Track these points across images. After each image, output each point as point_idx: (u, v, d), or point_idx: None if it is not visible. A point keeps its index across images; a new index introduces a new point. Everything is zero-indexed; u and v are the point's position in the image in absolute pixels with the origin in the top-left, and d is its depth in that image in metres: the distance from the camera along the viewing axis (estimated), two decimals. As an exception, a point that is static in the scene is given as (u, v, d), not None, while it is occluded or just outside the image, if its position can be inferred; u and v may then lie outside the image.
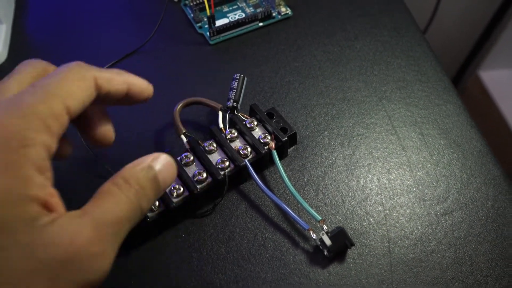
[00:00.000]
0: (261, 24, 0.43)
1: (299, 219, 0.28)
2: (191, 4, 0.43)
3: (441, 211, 0.30)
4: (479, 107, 1.01)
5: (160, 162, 0.23)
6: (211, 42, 0.41)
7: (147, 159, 0.22)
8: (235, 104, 0.33)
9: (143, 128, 0.35)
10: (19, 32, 0.42)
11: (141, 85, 0.25)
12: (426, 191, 0.31)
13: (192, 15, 0.43)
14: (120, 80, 0.24)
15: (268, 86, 0.38)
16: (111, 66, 0.39)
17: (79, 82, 0.21)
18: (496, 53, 0.96)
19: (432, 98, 0.37)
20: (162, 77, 0.39)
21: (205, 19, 0.43)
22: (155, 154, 0.23)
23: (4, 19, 0.41)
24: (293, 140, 0.34)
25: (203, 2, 0.43)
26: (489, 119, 0.97)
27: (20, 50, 0.41)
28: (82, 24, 0.43)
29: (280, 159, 0.31)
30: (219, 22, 0.42)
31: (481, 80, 0.99)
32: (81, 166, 0.33)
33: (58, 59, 0.40)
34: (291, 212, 0.29)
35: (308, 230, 0.28)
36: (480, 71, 1.00)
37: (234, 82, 0.34)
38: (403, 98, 0.37)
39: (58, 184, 0.20)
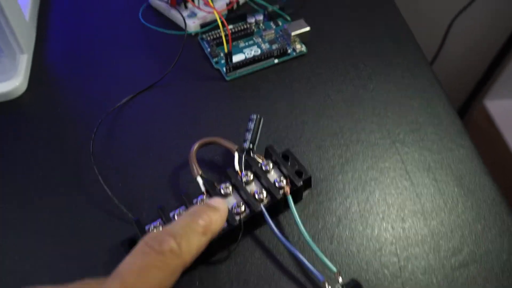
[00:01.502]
0: (276, 61, 0.41)
1: (314, 270, 0.27)
2: (208, 38, 0.42)
3: (456, 264, 0.29)
4: (485, 136, 0.99)
5: None
6: (227, 78, 0.40)
7: None
8: (251, 146, 0.32)
9: (158, 167, 0.34)
10: (39, 63, 0.41)
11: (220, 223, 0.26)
12: (440, 241, 0.30)
13: (209, 49, 0.42)
14: (202, 242, 0.24)
15: (283, 125, 0.37)
16: (128, 101, 0.38)
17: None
18: (502, 83, 0.95)
19: (445, 142, 0.35)
20: (178, 113, 0.37)
21: (222, 54, 0.41)
22: None
23: (25, 49, 0.40)
24: (308, 183, 0.32)
25: (220, 37, 0.42)
26: (495, 148, 0.95)
27: (40, 81, 0.40)
28: (101, 57, 0.42)
29: (295, 203, 0.30)
30: (235, 58, 0.41)
31: (487, 110, 0.97)
32: (98, 205, 0.32)
33: (77, 91, 0.39)
34: (306, 262, 0.27)
35: (323, 282, 0.27)
36: (486, 101, 0.98)
37: (250, 122, 0.33)
38: (417, 141, 0.35)
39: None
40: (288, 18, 0.44)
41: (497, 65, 0.94)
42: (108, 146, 0.35)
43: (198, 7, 0.43)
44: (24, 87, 0.39)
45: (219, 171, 0.34)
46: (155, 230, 0.28)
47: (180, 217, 0.25)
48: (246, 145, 0.32)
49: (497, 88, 0.96)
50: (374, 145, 0.35)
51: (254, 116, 0.33)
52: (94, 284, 0.22)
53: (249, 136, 0.32)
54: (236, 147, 0.32)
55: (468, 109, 1.05)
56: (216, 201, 0.27)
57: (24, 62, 0.39)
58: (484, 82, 0.98)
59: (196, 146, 0.32)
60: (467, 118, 1.05)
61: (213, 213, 0.25)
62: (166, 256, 0.22)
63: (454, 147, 0.35)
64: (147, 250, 0.22)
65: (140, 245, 0.22)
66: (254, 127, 0.32)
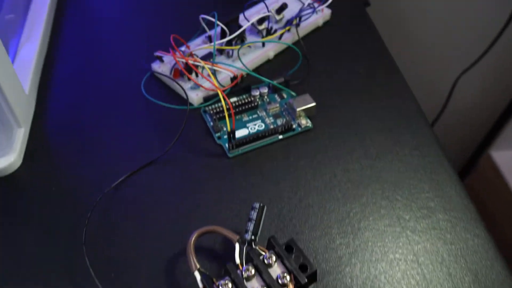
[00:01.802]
0: (281, 137, 0.41)
1: None
2: (211, 112, 0.42)
3: None
4: (490, 186, 0.99)
5: None
6: (229, 155, 0.39)
7: None
8: (253, 237, 0.31)
9: (153, 256, 0.32)
10: (36, 136, 0.40)
11: None
12: None
13: (211, 123, 0.41)
14: None
15: (286, 209, 0.35)
16: (125, 179, 0.37)
17: None
18: (509, 133, 0.95)
19: (459, 231, 0.34)
20: (177, 194, 0.36)
21: (225, 129, 0.41)
22: None
23: (23, 123, 0.39)
24: (313, 278, 0.30)
25: (223, 111, 0.42)
26: (501, 198, 0.95)
27: (36, 156, 0.39)
28: (100, 131, 0.41)
29: (299, 300, 0.28)
30: (238, 133, 0.40)
31: (493, 160, 0.98)
32: (87, 297, 0.30)
33: (73, 168, 0.38)
34: None
35: None
36: (492, 151, 0.99)
37: (253, 211, 0.32)
38: (428, 229, 0.34)
39: None
40: (293, 94, 0.44)
41: (505, 117, 0.94)
42: (102, 233, 0.34)
43: (199, 85, 0.43)
44: (18, 163, 0.38)
45: (219, 262, 0.32)
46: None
47: None
48: (248, 236, 0.31)
49: (503, 139, 0.97)
50: (383, 233, 0.34)
51: (257, 205, 0.32)
52: None
53: (251, 226, 0.31)
54: (237, 237, 0.31)
55: (475, 161, 1.04)
56: None
57: (20, 137, 0.39)
58: (491, 134, 0.99)
59: (194, 236, 0.31)
60: (473, 169, 1.05)
61: None
62: None
63: (469, 237, 0.34)
64: None
65: None
66: (256, 216, 0.31)
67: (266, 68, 0.47)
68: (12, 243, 0.33)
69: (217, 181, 0.37)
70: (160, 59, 0.45)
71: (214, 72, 0.44)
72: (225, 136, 0.40)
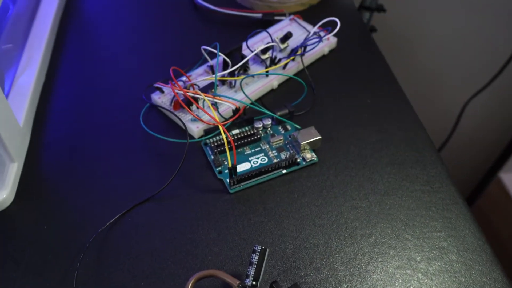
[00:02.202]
0: (284, 171, 0.40)
1: None
2: (212, 145, 0.41)
3: None
4: (500, 209, 0.98)
5: None
6: (230, 191, 0.38)
7: None
8: (254, 283, 0.30)
9: (150, 298, 0.31)
10: (30, 171, 0.40)
11: None
12: None
13: (212, 157, 0.41)
14: None
15: (290, 249, 0.34)
16: (120, 217, 0.36)
17: None
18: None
19: (474, 274, 0.33)
20: (175, 233, 0.36)
21: (226, 163, 0.40)
22: None
23: (16, 158, 0.39)
24: (318, 326, 0.29)
25: (224, 144, 0.41)
26: (511, 220, 0.94)
27: (29, 192, 0.38)
28: (98, 166, 0.40)
29: None
30: (240, 167, 0.40)
31: (502, 183, 0.97)
32: None
33: (69, 204, 0.38)
34: None
35: None
36: (502, 174, 0.98)
37: (254, 255, 0.31)
38: (441, 272, 0.33)
39: None
40: (298, 126, 0.43)
41: None
42: (94, 276, 0.33)
43: (200, 119, 0.42)
44: (10, 199, 0.37)
45: (218, 308, 0.31)
46: None
47: None
48: (249, 282, 0.30)
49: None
50: (393, 276, 0.33)
51: (259, 248, 0.31)
52: None
53: (252, 271, 0.30)
54: (237, 282, 0.30)
55: (485, 184, 1.04)
56: None
57: (13, 172, 0.38)
58: (500, 157, 0.98)
59: (192, 280, 0.30)
60: (483, 192, 1.05)
61: None
62: None
63: (485, 281, 0.33)
64: None
65: None
66: (258, 260, 0.30)
67: (269, 98, 0.47)
68: (1, 280, 0.32)
69: (217, 219, 0.36)
70: (160, 90, 0.45)
71: (215, 104, 0.43)
72: (226, 171, 0.40)
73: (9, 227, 0.36)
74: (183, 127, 0.42)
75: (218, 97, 0.42)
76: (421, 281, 0.32)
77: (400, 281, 0.32)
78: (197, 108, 0.43)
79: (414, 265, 0.33)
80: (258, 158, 0.41)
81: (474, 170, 1.06)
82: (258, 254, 0.31)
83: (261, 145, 0.42)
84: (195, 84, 0.44)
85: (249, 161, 0.40)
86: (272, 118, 0.44)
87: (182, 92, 0.42)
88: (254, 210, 0.37)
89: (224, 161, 0.40)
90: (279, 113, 0.43)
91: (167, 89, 0.45)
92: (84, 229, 0.35)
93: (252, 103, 0.44)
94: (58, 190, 0.39)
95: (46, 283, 0.32)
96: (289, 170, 0.40)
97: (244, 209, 0.37)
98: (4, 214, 0.37)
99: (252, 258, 0.31)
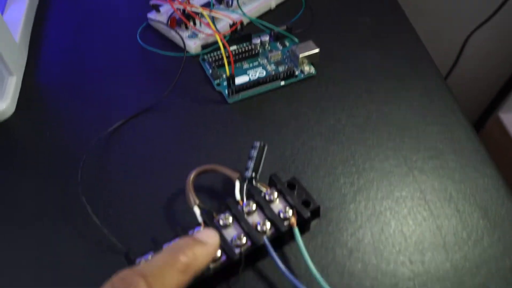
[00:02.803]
0: (283, 83, 0.42)
1: (323, 308, 0.26)
2: (210, 59, 0.43)
3: (483, 304, 0.28)
4: (499, 148, 1.00)
5: None
6: (229, 101, 0.40)
7: None
8: (253, 174, 0.32)
9: (153, 195, 0.34)
10: (29, 85, 0.42)
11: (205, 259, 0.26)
12: (464, 277, 0.29)
13: (210, 71, 0.42)
14: (180, 281, 0.24)
15: (289, 152, 0.37)
16: (123, 123, 0.38)
17: None
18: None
19: (468, 171, 0.35)
20: (176, 136, 0.38)
21: (224, 76, 0.42)
22: None
23: (14, 71, 0.41)
24: (316, 214, 0.32)
25: (222, 58, 0.43)
26: (509, 159, 0.96)
27: (29, 104, 0.40)
28: (95, 78, 0.43)
29: (301, 233, 0.29)
30: (238, 80, 0.41)
31: (501, 122, 0.99)
32: (86, 235, 0.32)
33: (68, 115, 0.40)
34: (314, 299, 0.27)
35: (333, 322, 0.26)
36: (501, 113, 1.00)
37: (253, 150, 0.33)
38: (436, 169, 0.35)
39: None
40: (296, 40, 0.45)
41: None
42: (98, 173, 0.35)
43: (198, 30, 0.44)
44: (11, 110, 0.39)
45: (219, 201, 0.34)
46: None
47: (160, 253, 0.24)
48: (248, 173, 0.32)
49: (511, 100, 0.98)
50: (389, 172, 0.35)
51: (258, 144, 0.33)
52: None
53: (251, 164, 0.32)
54: (237, 175, 0.32)
55: (483, 122, 1.06)
56: (205, 234, 0.26)
57: (12, 85, 0.40)
58: (499, 95, 1.00)
59: (193, 174, 0.32)
60: (482, 130, 1.07)
61: (199, 248, 0.25)
62: None
63: (478, 176, 0.35)
64: None
65: (106, 287, 0.22)
66: (257, 154, 0.32)
67: (267, 18, 0.48)
68: (7, 188, 0.34)
69: (217, 126, 0.39)
70: (156, 8, 0.47)
71: (213, 20, 0.45)
72: (225, 83, 0.42)
73: (12, 135, 0.38)
74: (180, 44, 0.44)
75: (216, 11, 0.44)
76: (416, 177, 0.35)
77: (396, 177, 0.35)
78: (196, 23, 0.44)
79: (410, 164, 0.36)
80: (256, 72, 0.43)
81: (473, 108, 1.07)
82: (257, 149, 0.33)
83: (259, 60, 0.44)
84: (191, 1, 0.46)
85: (247, 74, 0.42)
86: (270, 35, 0.45)
87: (181, 7, 0.43)
88: (252, 119, 0.39)
89: (222, 74, 0.42)
90: (276, 30, 0.45)
91: (163, 8, 0.47)
92: (85, 136, 0.37)
93: (250, 18, 0.45)
94: (58, 102, 0.41)
95: (51, 182, 0.35)
96: (288, 82, 0.42)
97: (243, 118, 0.39)
98: (6, 124, 0.39)
99: (251, 154, 0.33)
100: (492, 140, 1.03)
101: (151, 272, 0.22)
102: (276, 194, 0.31)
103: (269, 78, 0.41)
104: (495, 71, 0.97)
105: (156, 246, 0.28)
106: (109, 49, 0.45)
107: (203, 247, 0.25)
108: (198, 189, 0.33)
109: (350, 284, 0.29)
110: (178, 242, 0.25)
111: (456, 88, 1.01)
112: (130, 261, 0.28)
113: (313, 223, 0.32)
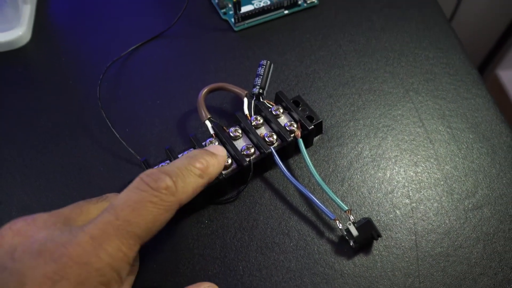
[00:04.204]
0: (286, 11, 0.42)
1: (325, 209, 0.28)
2: (216, -11, 0.43)
3: (470, 206, 0.30)
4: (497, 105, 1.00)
5: None
6: (235, 29, 0.41)
7: None
8: (261, 91, 0.33)
9: (166, 114, 0.35)
10: (43, 14, 0.42)
11: (217, 168, 0.27)
12: (454, 185, 0.31)
13: (216, 1, 0.42)
14: (198, 183, 0.25)
15: (293, 75, 0.37)
16: (134, 50, 0.39)
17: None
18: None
19: (461, 92, 0.36)
20: (185, 63, 0.38)
21: (230, 5, 0.42)
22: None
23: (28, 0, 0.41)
24: (319, 129, 0.33)
25: (228, -12, 0.43)
26: (507, 117, 0.96)
27: (44, 31, 0.41)
28: (105, 7, 0.43)
29: (305, 148, 0.31)
30: (244, 9, 0.42)
31: (499, 79, 0.98)
32: (106, 148, 0.33)
33: (81, 41, 0.40)
34: (317, 201, 0.28)
35: (334, 220, 0.28)
36: (499, 71, 0.99)
37: (260, 68, 0.34)
38: (431, 90, 0.36)
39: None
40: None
41: (509, 35, 0.94)
42: (115, 92, 0.36)
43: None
44: (28, 37, 0.40)
45: (228, 117, 0.35)
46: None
47: (178, 159, 0.26)
48: (256, 90, 0.33)
49: (509, 58, 0.97)
50: (387, 94, 0.36)
51: (264, 62, 0.34)
52: (85, 204, 0.24)
53: (258, 81, 0.33)
54: (245, 92, 0.33)
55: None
56: (215, 147, 0.28)
57: (27, 12, 0.40)
58: (496, 52, 0.99)
59: (204, 91, 0.33)
60: None
61: (211, 157, 0.26)
62: (161, 193, 0.23)
63: (470, 96, 0.36)
64: (143, 187, 0.23)
65: (136, 182, 0.23)
66: (264, 72, 0.33)
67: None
68: (30, 106, 0.35)
69: (224, 52, 0.39)
70: None
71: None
72: (231, 12, 0.42)
73: (30, 60, 0.39)
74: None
75: None
76: (412, 98, 0.36)
77: (394, 98, 0.36)
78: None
79: (407, 86, 0.37)
80: (260, 1, 0.43)
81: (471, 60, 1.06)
82: (264, 67, 0.33)
83: (263, -11, 0.44)
84: None
85: (252, 4, 0.42)
86: (274, -34, 0.45)
87: None
88: (258, 45, 0.40)
89: (228, 3, 0.42)
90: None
91: None
92: (100, 60, 0.38)
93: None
94: (71, 30, 0.41)
95: (72, 100, 0.36)
96: (291, 11, 0.42)
97: (249, 44, 0.40)
98: (23, 50, 0.39)
99: (258, 71, 0.33)
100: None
101: (174, 172, 0.24)
102: (281, 109, 0.32)
103: (273, 7, 0.41)
104: (492, 27, 0.95)
105: (171, 155, 0.29)
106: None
107: (214, 156, 0.27)
108: (209, 107, 0.34)
109: (349, 190, 0.30)
110: (192, 151, 0.27)
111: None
112: (148, 167, 0.29)
113: (316, 139, 0.33)
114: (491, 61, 1.02)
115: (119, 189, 0.30)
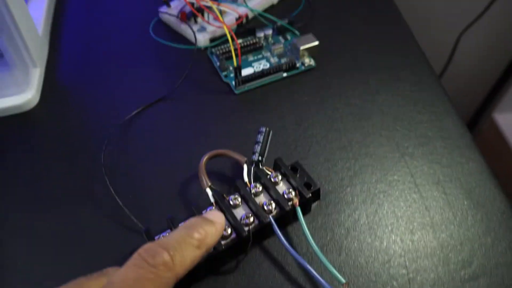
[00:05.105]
0: (285, 74, 0.43)
1: (323, 281, 0.28)
2: (217, 52, 0.44)
3: (466, 277, 0.29)
4: (494, 149, 1.00)
5: None
6: (236, 92, 0.41)
7: None
8: (260, 158, 0.33)
9: (168, 179, 0.35)
10: (51, 77, 0.42)
11: (215, 237, 0.27)
12: (450, 254, 0.30)
13: (218, 63, 0.43)
14: (196, 255, 0.25)
15: (291, 139, 0.38)
16: (138, 113, 0.39)
17: None
18: (511, 96, 0.95)
19: (455, 156, 0.36)
20: (187, 126, 0.39)
21: (231, 68, 0.43)
22: None
23: (38, 63, 0.41)
24: (316, 196, 0.33)
25: (229, 51, 0.44)
26: (504, 161, 0.96)
27: (52, 94, 0.41)
28: (112, 71, 0.43)
29: (303, 215, 0.31)
30: (244, 72, 0.42)
31: (496, 123, 0.99)
32: (108, 215, 0.33)
33: (88, 104, 0.41)
34: (315, 273, 0.28)
35: (332, 293, 0.27)
36: (495, 114, 0.99)
37: (259, 135, 0.34)
38: (426, 154, 0.36)
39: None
40: (297, 33, 0.46)
41: (506, 78, 0.95)
42: (118, 158, 0.36)
43: (208, 22, 0.44)
44: (36, 100, 0.40)
45: (228, 183, 0.35)
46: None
47: (175, 230, 0.26)
48: (255, 157, 0.33)
49: (506, 101, 0.97)
50: (383, 158, 0.36)
51: (263, 129, 0.34)
52: (85, 282, 0.24)
53: (258, 148, 0.33)
54: (245, 159, 0.33)
55: (477, 123, 1.06)
56: (213, 214, 0.28)
57: (36, 76, 0.41)
58: (493, 96, 0.99)
59: (205, 158, 0.33)
60: (476, 131, 1.06)
61: (209, 226, 0.26)
62: (159, 269, 0.23)
63: (464, 161, 0.36)
64: (140, 263, 0.23)
65: (134, 258, 0.23)
66: (263, 139, 0.33)
67: (270, 12, 0.49)
68: (35, 171, 0.36)
69: (225, 115, 0.40)
70: (167, 3, 0.47)
71: (220, 13, 0.45)
72: (232, 75, 0.42)
73: (38, 123, 0.39)
74: (189, 38, 0.45)
75: (224, 4, 0.45)
76: (407, 162, 0.36)
77: (389, 162, 0.36)
78: (206, 16, 0.45)
79: (402, 150, 0.37)
80: (260, 64, 0.43)
81: (467, 109, 1.07)
82: (263, 134, 0.34)
83: (263, 53, 0.44)
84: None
85: (252, 67, 0.43)
86: (273, 29, 0.46)
87: (194, 1, 0.44)
88: (258, 108, 0.40)
89: (230, 66, 0.43)
90: (279, 23, 0.45)
91: (173, 3, 0.47)
92: (105, 124, 0.38)
93: (255, 11, 0.46)
94: (78, 93, 0.41)
95: (76, 165, 0.36)
96: (289, 73, 0.43)
97: (249, 107, 0.40)
98: (31, 113, 0.40)
99: (257, 138, 0.34)
100: (486, 141, 1.01)
101: (171, 245, 0.24)
102: (280, 176, 0.32)
103: (272, 70, 0.42)
104: (488, 71, 0.97)
105: (173, 224, 0.29)
106: (125, 42, 0.46)
107: (212, 225, 0.26)
108: (209, 173, 0.34)
109: (347, 260, 0.30)
110: (190, 220, 0.27)
111: (450, 87, 1.01)
112: (150, 238, 0.29)
113: (314, 205, 0.33)
114: (488, 105, 1.02)
115: (120, 258, 0.30)
